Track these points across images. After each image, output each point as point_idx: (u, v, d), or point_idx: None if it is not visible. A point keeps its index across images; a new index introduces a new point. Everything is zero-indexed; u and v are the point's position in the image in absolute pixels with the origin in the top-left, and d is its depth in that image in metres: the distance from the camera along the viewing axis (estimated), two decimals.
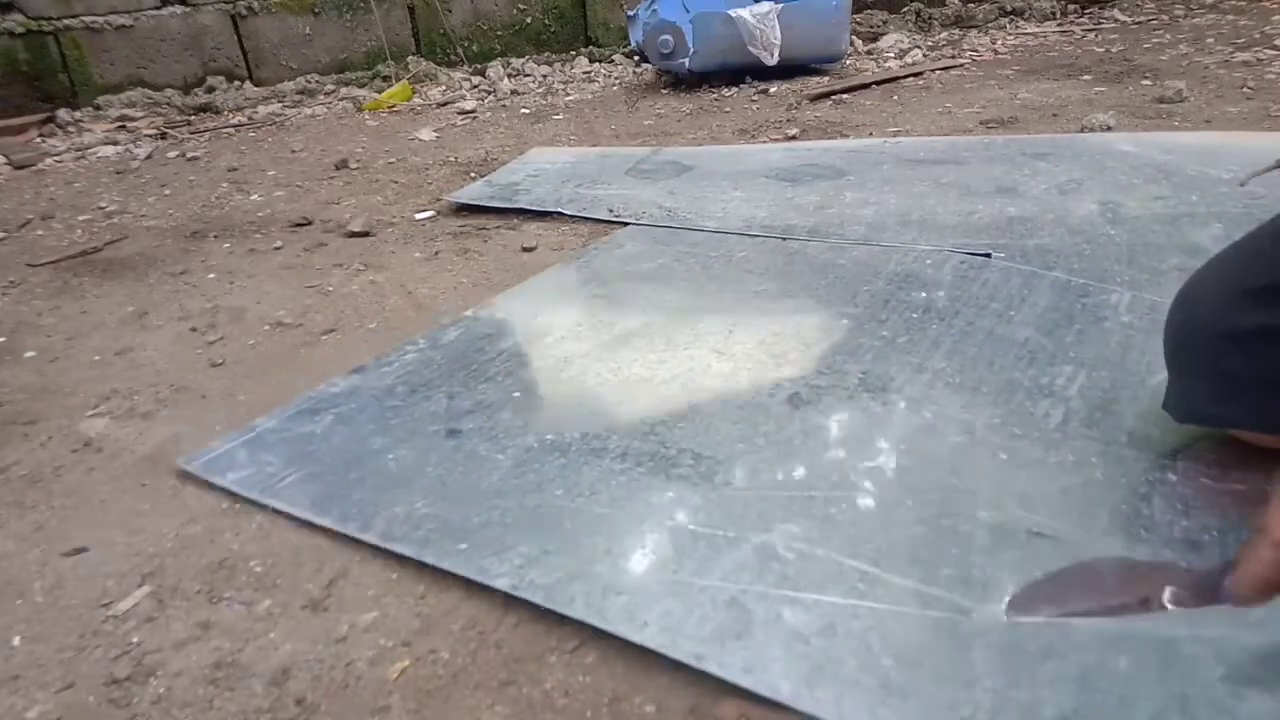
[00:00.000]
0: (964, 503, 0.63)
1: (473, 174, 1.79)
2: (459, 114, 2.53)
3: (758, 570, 0.57)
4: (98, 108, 2.82)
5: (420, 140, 2.21)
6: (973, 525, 0.61)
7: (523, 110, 2.55)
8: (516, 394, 0.84)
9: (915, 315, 0.92)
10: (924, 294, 0.97)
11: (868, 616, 0.53)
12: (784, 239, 1.20)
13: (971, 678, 0.48)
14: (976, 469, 0.67)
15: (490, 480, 0.70)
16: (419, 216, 1.53)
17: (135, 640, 0.58)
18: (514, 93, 2.84)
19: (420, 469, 0.73)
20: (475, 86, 2.97)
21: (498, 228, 1.42)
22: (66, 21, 2.80)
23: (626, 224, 1.34)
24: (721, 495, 0.66)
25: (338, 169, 1.95)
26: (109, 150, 2.33)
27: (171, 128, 2.60)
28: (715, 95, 2.48)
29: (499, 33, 3.38)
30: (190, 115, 2.82)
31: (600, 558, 0.60)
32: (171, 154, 2.27)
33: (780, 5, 2.47)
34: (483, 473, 0.71)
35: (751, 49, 2.48)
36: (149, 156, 2.26)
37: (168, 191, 1.89)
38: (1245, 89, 1.91)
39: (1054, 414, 0.72)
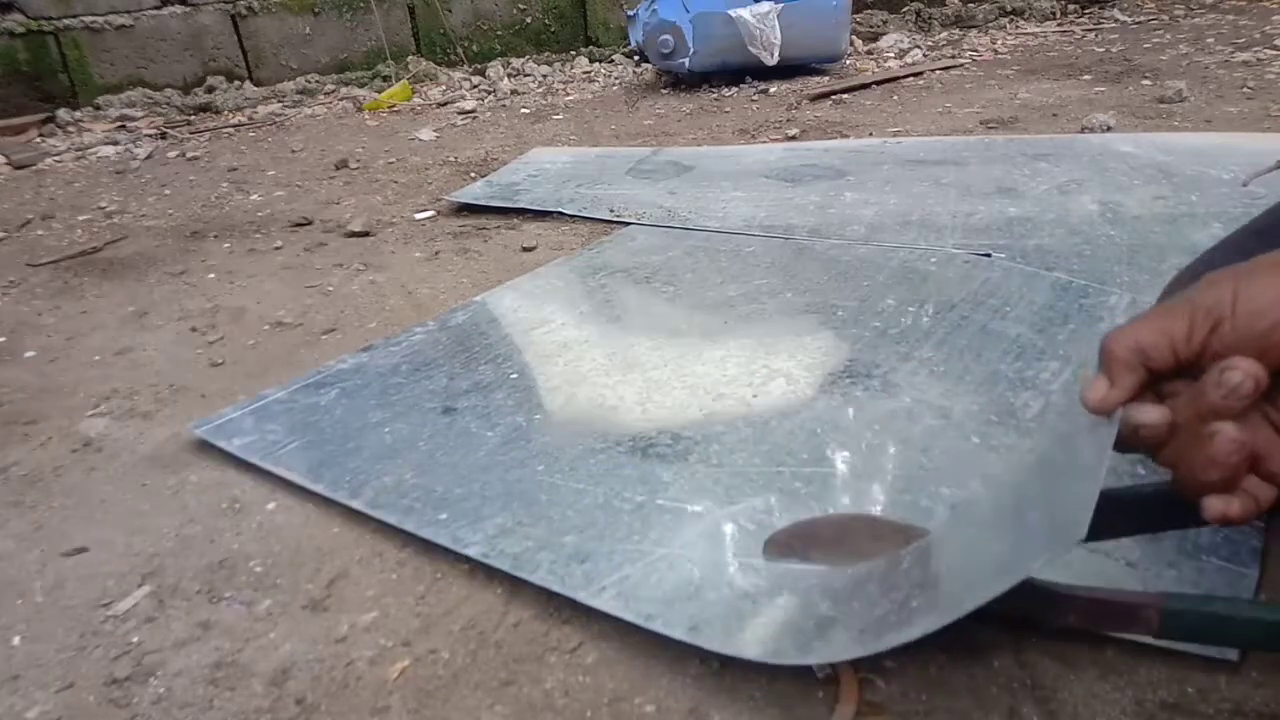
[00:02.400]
0: (928, 480, 0.64)
1: (473, 174, 1.79)
2: (459, 114, 2.53)
3: (717, 540, 0.59)
4: (98, 108, 2.82)
5: (420, 140, 2.21)
6: (934, 501, 0.61)
7: (523, 110, 2.55)
8: (513, 375, 0.87)
9: (911, 309, 0.93)
10: (922, 289, 0.98)
11: (814, 576, 0.54)
12: (783, 239, 1.21)
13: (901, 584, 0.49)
14: (946, 450, 0.67)
15: (477, 455, 0.72)
16: (419, 216, 1.53)
17: (135, 640, 0.58)
18: (514, 93, 2.84)
19: (413, 443, 0.75)
20: (475, 86, 2.97)
21: (498, 228, 1.42)
22: (66, 21, 2.80)
23: (628, 224, 1.34)
24: (694, 473, 0.67)
25: (338, 169, 1.95)
26: (109, 150, 2.33)
27: (171, 128, 2.60)
28: (715, 95, 2.48)
29: (499, 33, 3.38)
30: (190, 115, 2.82)
31: (570, 529, 0.62)
32: (171, 154, 2.27)
33: (780, 5, 2.47)
34: (471, 448, 0.74)
35: (751, 49, 2.48)
36: (149, 156, 2.26)
37: (168, 191, 1.89)
38: (1245, 89, 1.91)
39: (1033, 405, 0.73)
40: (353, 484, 0.70)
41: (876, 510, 0.61)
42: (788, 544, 0.58)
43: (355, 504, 0.68)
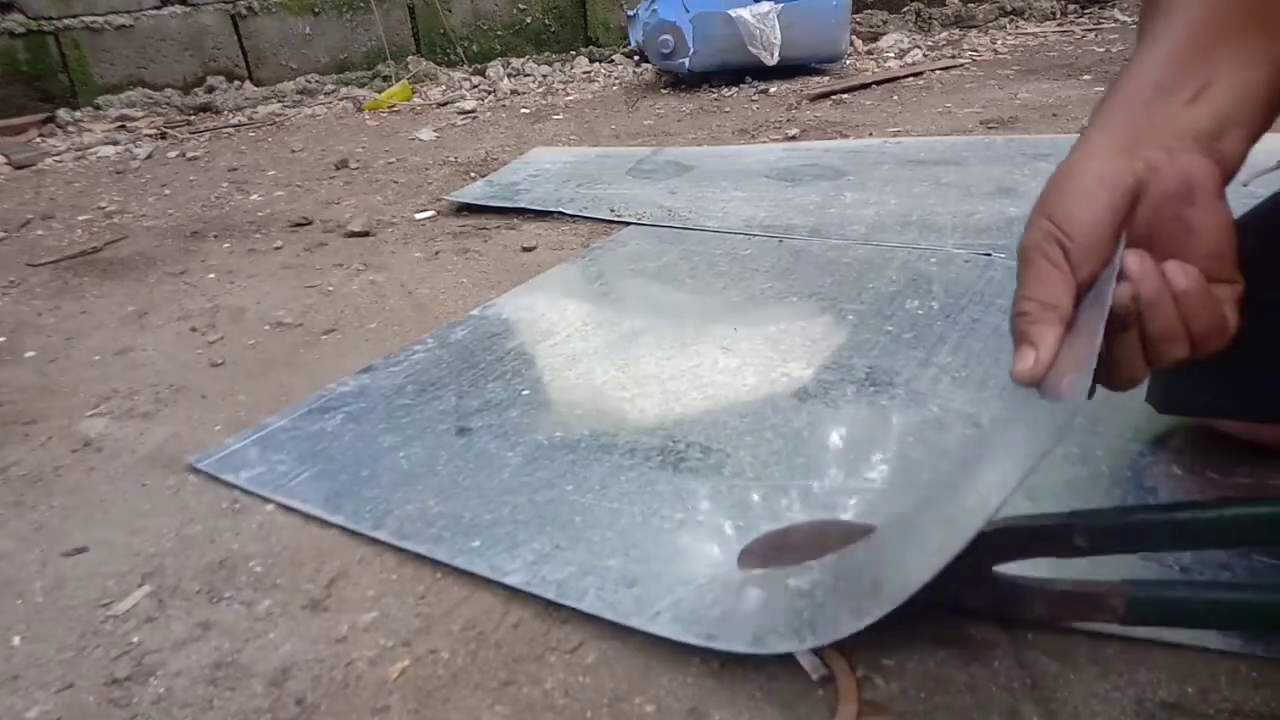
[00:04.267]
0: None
1: (473, 174, 1.79)
2: (459, 114, 2.53)
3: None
4: (98, 108, 2.82)
5: (420, 140, 2.21)
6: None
7: (523, 110, 2.55)
8: (525, 392, 0.85)
9: (920, 312, 0.93)
10: (928, 291, 0.98)
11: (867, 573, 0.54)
12: (783, 239, 1.20)
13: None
14: (984, 462, 0.66)
15: (501, 477, 0.70)
16: (419, 216, 1.53)
17: (135, 640, 0.58)
18: (514, 93, 2.84)
19: (431, 467, 0.73)
20: (475, 86, 2.97)
21: (498, 228, 1.42)
22: (66, 21, 2.80)
23: (628, 224, 1.34)
24: (731, 487, 0.66)
25: (338, 169, 1.95)
26: (109, 150, 2.33)
27: (171, 128, 2.60)
28: (715, 95, 2.48)
29: (499, 33, 3.38)
30: (190, 115, 2.82)
31: (612, 552, 0.60)
32: (171, 154, 2.27)
33: (780, 5, 2.47)
34: (493, 470, 0.72)
35: (751, 49, 2.48)
36: (149, 156, 2.26)
37: (168, 191, 1.89)
38: None
39: (1059, 411, 0.72)
40: (374, 514, 0.67)
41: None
42: (763, 554, 0.57)
43: (380, 535, 0.65)
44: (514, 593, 0.59)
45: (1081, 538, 0.48)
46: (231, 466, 0.77)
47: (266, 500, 0.72)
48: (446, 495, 0.69)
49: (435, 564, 0.62)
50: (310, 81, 3.09)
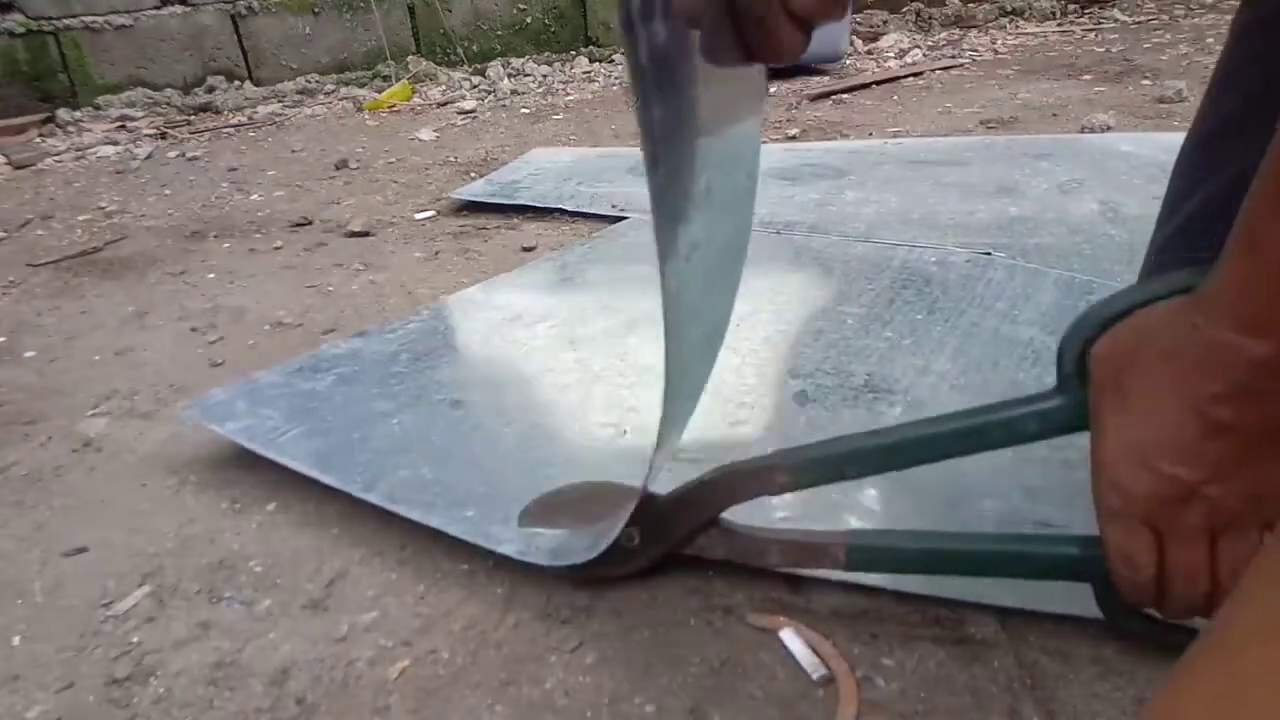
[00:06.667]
0: (970, 495, 0.63)
1: (473, 174, 1.79)
2: (459, 114, 2.53)
3: None
4: (98, 108, 2.82)
5: (420, 140, 2.21)
6: (979, 516, 0.61)
7: (523, 110, 2.55)
8: (523, 371, 0.85)
9: (920, 316, 0.92)
10: (928, 293, 0.97)
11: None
12: (783, 234, 1.20)
13: None
14: (982, 465, 0.66)
15: (496, 453, 0.71)
16: (419, 216, 1.53)
17: (135, 640, 0.58)
18: (514, 93, 2.83)
19: (425, 436, 0.73)
20: (475, 86, 2.97)
21: (498, 228, 1.42)
22: (66, 21, 2.80)
23: (629, 219, 1.34)
24: None
25: (338, 169, 1.95)
26: (109, 150, 2.33)
27: (171, 128, 2.60)
28: None
29: (499, 33, 3.38)
30: (190, 115, 2.82)
31: (608, 528, 0.60)
32: (171, 154, 2.27)
33: None
34: (488, 445, 0.72)
35: None
36: (149, 156, 2.26)
37: (168, 191, 1.89)
38: None
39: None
40: (365, 476, 0.67)
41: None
42: (539, 513, 0.61)
43: (370, 498, 0.65)
44: (514, 593, 0.59)
45: (783, 475, 0.52)
46: (218, 417, 0.76)
47: (258, 469, 0.72)
48: (440, 465, 0.69)
49: (435, 563, 0.62)
50: (310, 81, 3.08)
